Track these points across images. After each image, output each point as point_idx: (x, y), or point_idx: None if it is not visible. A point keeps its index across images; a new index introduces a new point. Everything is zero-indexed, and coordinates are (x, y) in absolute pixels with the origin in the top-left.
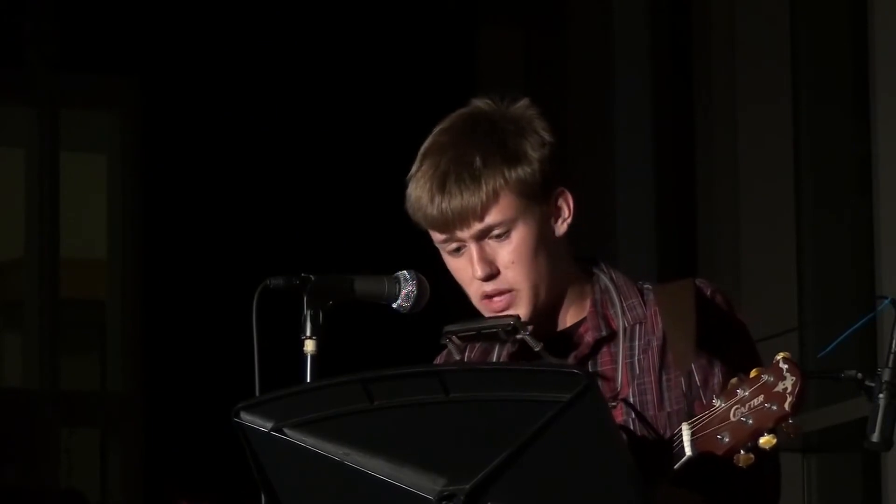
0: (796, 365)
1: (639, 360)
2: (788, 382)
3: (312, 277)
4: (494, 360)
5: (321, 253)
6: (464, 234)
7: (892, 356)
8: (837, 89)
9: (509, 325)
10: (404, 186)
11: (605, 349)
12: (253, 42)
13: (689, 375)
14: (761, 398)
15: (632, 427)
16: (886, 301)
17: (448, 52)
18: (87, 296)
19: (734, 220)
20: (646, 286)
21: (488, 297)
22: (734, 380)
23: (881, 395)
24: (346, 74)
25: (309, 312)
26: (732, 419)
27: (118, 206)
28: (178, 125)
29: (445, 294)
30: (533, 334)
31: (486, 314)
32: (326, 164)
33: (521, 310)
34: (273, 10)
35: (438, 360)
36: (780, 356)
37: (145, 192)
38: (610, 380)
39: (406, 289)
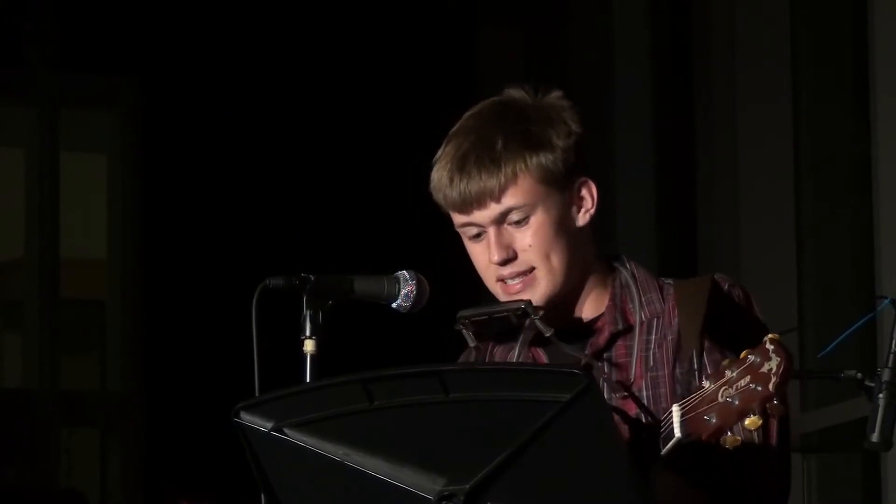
0: (782, 346)
1: (654, 353)
2: (773, 363)
3: (312, 277)
4: (516, 356)
5: (321, 253)
6: (482, 216)
7: (891, 356)
8: (837, 89)
9: (520, 308)
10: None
11: (620, 342)
12: (253, 42)
13: (691, 362)
14: (748, 379)
15: (642, 419)
16: (886, 301)
17: (448, 52)
18: (87, 296)
19: (734, 221)
20: (667, 281)
21: (503, 281)
22: (725, 361)
23: (881, 395)
24: (347, 74)
25: (309, 312)
26: (720, 400)
27: (118, 206)
28: (178, 125)
29: (445, 294)
30: (545, 320)
31: (502, 299)
32: (326, 164)
33: (538, 291)
34: (273, 11)
35: (462, 357)
36: (767, 337)
37: (145, 192)
38: (624, 370)
39: (405, 289)
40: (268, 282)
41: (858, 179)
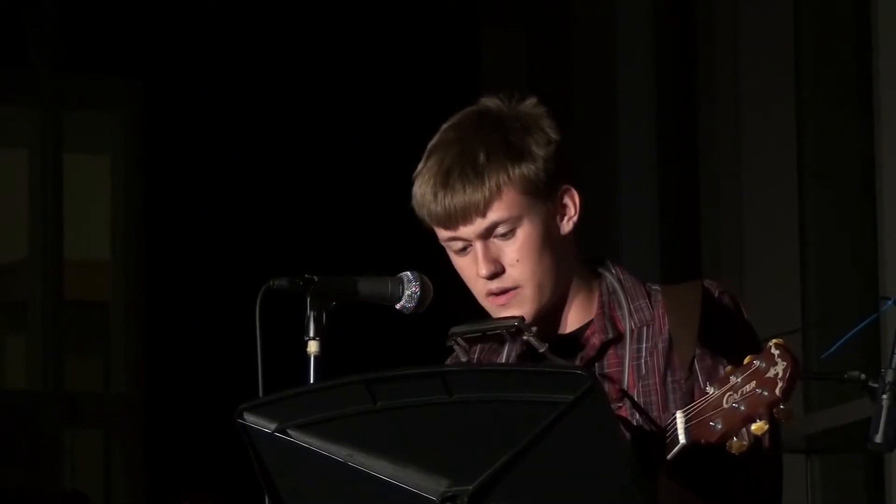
0: (788, 350)
1: (645, 361)
2: (780, 368)
3: (316, 278)
4: (503, 361)
5: (324, 254)
6: (468, 230)
7: (895, 357)
8: (841, 90)
9: (514, 326)
10: (409, 186)
11: (611, 351)
12: (255, 43)
13: (690, 371)
14: (753, 384)
15: (635, 426)
16: (890, 302)
17: (451, 52)
18: (90, 297)
19: (737, 222)
20: (654, 287)
21: (493, 294)
22: (728, 367)
23: (885, 396)
24: (350, 75)
25: (312, 313)
26: (725, 406)
27: (121, 207)
28: (182, 126)
29: (449, 295)
30: (538, 336)
31: (492, 312)
32: (330, 165)
33: (526, 307)
34: (275, 12)
35: (448, 362)
36: (772, 342)
37: (148, 194)
38: (616, 381)
39: (409, 290)
40: (272, 283)
41: (862, 180)
